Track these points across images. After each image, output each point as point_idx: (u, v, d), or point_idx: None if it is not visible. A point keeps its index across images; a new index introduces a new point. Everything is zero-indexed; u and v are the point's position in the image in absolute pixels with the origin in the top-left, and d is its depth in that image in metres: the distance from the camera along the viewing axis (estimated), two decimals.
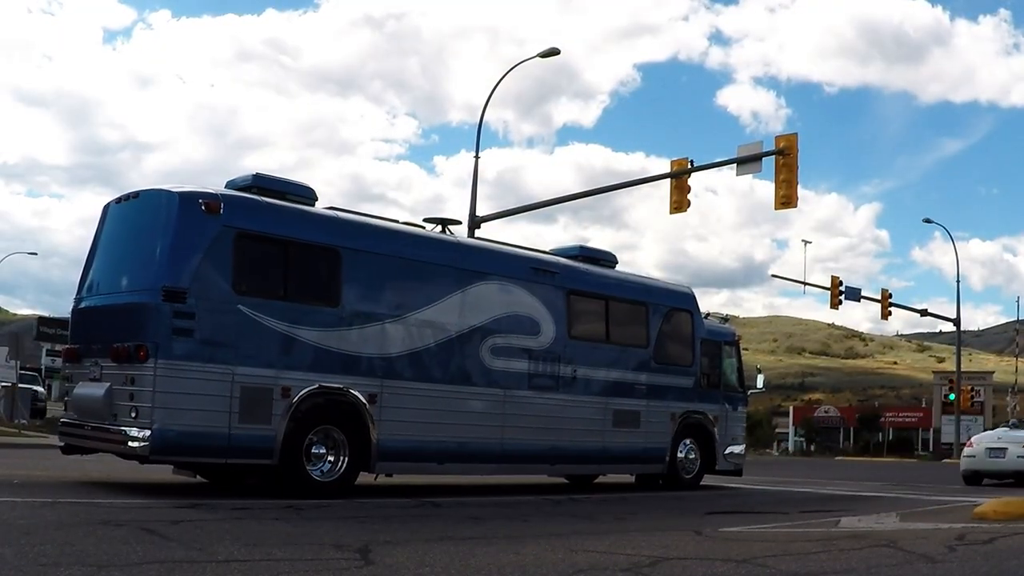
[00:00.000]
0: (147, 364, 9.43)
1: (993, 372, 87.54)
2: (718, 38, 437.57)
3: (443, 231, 13.02)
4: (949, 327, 52.71)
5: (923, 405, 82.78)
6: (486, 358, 12.27)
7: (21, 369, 27.42)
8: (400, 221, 12.73)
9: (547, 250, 14.63)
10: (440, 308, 11.86)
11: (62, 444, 11.10)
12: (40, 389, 35.77)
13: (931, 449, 67.39)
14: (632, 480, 15.20)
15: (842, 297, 41.47)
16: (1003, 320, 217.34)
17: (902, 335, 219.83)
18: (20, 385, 26.68)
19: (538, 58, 26.57)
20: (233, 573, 5.28)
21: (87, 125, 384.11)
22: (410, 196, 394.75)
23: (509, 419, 12.48)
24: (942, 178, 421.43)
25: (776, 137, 22.02)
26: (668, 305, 15.10)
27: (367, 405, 10.87)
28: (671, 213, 23.45)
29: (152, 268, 9.89)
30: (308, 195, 11.39)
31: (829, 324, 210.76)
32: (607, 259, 15.02)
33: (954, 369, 51.09)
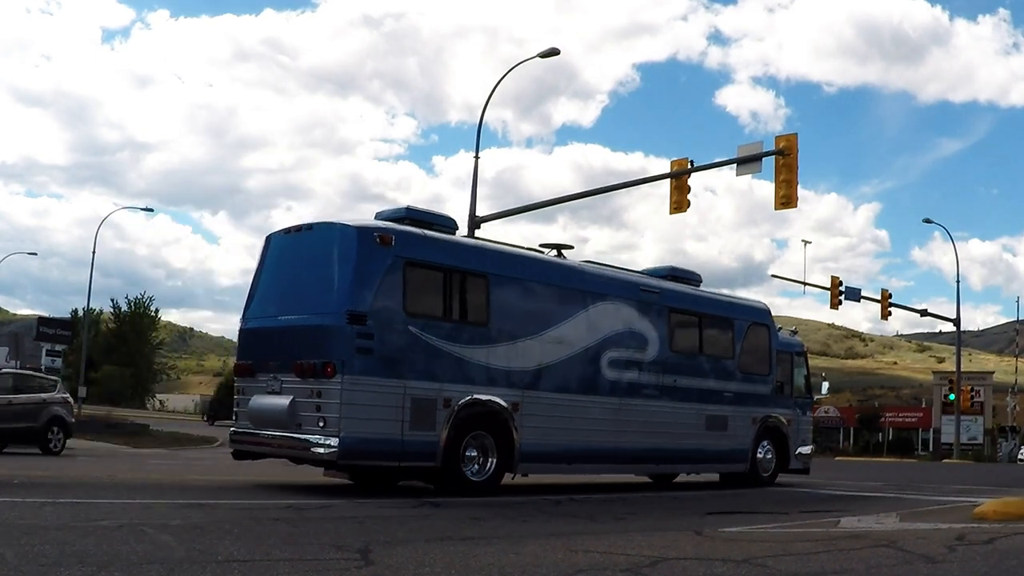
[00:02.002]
0: (334, 379, 10.52)
1: (993, 372, 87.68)
2: (717, 38, 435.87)
3: (558, 255, 14.23)
4: (949, 327, 52.76)
5: (923, 405, 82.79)
6: (605, 370, 13.62)
7: (21, 369, 27.43)
8: (522, 247, 13.82)
9: (638, 271, 15.96)
10: (569, 326, 13.16)
11: (233, 450, 12.11)
12: None
13: (931, 449, 67.49)
14: (717, 479, 16.46)
15: (842, 297, 41.57)
16: (1003, 320, 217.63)
17: (902, 335, 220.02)
18: None
19: (538, 58, 26.61)
20: (233, 573, 5.27)
21: (86, 125, 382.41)
22: (409, 196, 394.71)
23: (624, 424, 13.80)
24: (942, 178, 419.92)
25: (776, 137, 22.09)
26: (749, 320, 16.50)
27: (511, 413, 12.13)
28: (671, 213, 23.51)
29: (334, 294, 10.96)
30: (451, 225, 12.72)
31: (829, 324, 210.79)
32: (694, 279, 16.34)
33: (954, 369, 51.15)
